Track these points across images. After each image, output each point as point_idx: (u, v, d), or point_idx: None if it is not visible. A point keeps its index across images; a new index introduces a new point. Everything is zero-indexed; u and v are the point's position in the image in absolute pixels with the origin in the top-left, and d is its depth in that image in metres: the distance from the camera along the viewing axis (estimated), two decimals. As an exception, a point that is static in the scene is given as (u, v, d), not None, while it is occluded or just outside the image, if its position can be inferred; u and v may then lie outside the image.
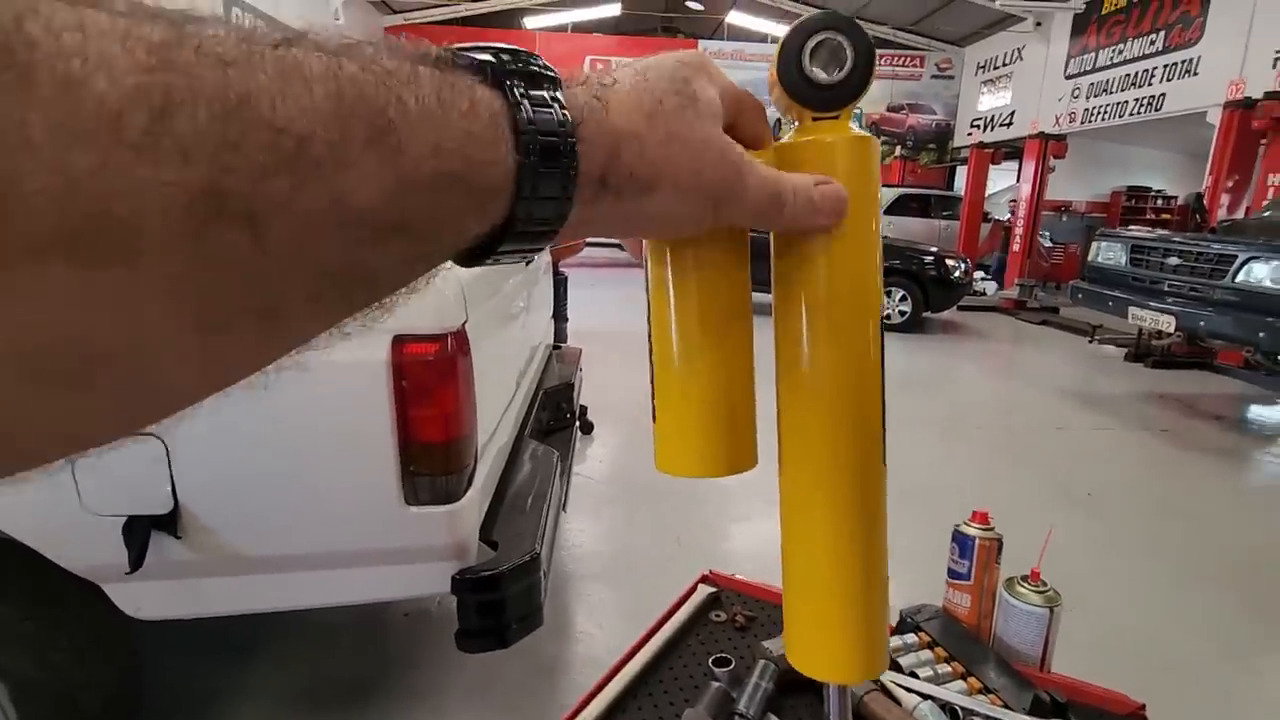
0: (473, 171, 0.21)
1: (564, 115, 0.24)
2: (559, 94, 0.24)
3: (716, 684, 0.70)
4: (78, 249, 0.14)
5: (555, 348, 3.15)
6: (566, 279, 3.69)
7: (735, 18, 13.43)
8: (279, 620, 1.39)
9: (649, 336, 0.35)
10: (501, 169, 0.22)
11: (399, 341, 1.23)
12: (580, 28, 14.79)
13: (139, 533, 1.21)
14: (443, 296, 1.29)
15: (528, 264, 2.17)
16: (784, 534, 0.36)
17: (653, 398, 0.35)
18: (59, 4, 0.14)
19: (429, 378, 1.27)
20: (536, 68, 0.25)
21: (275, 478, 1.27)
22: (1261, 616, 2.39)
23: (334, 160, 0.18)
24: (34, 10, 0.13)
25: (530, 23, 14.52)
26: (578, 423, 2.79)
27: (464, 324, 1.32)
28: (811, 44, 0.31)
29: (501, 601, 1.36)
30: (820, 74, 0.31)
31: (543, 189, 0.23)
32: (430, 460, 1.30)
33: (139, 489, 1.22)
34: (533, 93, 0.24)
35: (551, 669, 1.97)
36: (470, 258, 0.25)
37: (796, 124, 0.34)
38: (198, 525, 1.25)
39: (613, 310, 6.49)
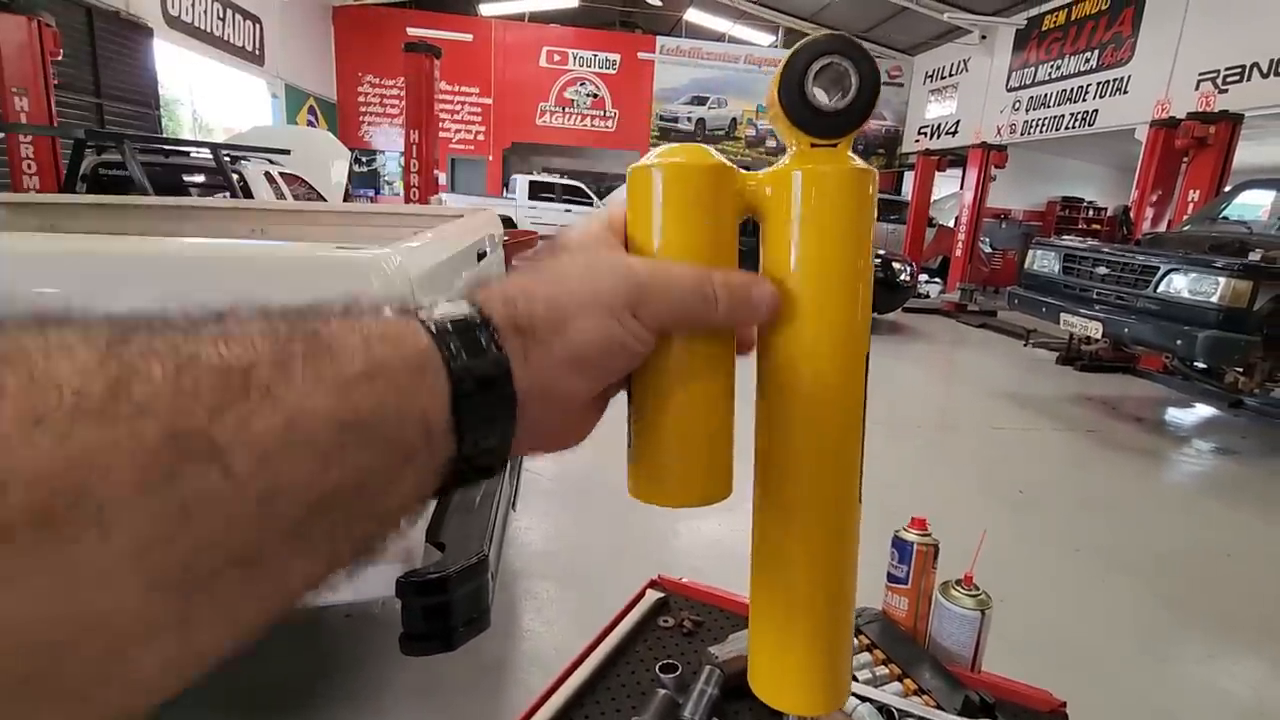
0: (398, 347, 0.24)
1: (453, 299, 0.27)
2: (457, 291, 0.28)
3: (663, 691, 0.71)
4: (48, 523, 0.15)
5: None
6: (519, 273, 3.64)
7: (694, 15, 13.49)
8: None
9: (629, 394, 0.34)
10: (421, 340, 0.24)
11: (344, 339, 1.20)
12: (537, 18, 14.59)
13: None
14: (391, 294, 1.26)
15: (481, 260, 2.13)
16: (755, 567, 0.35)
17: (629, 422, 0.34)
18: (28, 323, 0.17)
19: (375, 377, 1.24)
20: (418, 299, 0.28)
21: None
22: (1175, 610, 2.54)
23: (281, 379, 0.20)
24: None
25: (486, 10, 14.26)
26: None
27: (412, 322, 1.29)
28: (816, 67, 0.30)
29: (448, 604, 1.33)
30: (822, 99, 0.30)
31: (467, 348, 0.25)
32: (375, 461, 1.27)
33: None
34: (438, 305, 0.27)
35: (498, 668, 1.95)
36: (451, 466, 0.25)
37: (794, 148, 0.32)
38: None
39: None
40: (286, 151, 5.33)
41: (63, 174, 4.44)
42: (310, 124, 12.69)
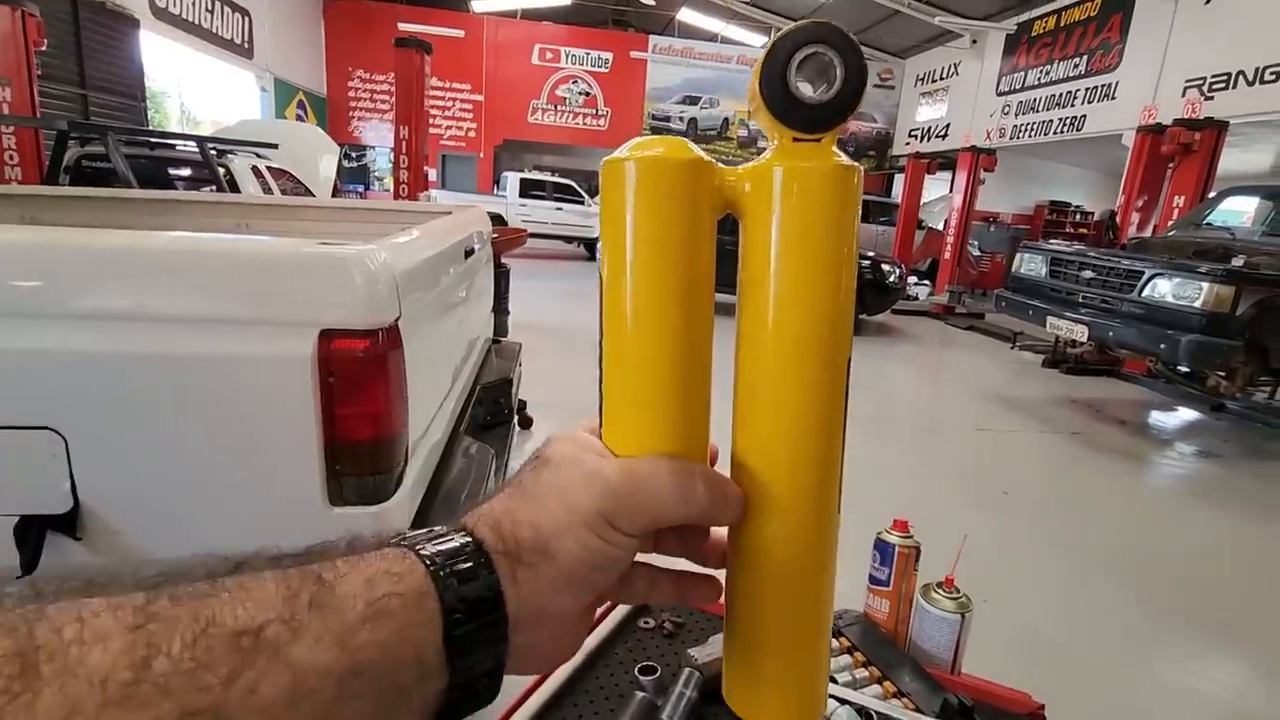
0: (395, 584, 0.25)
1: (446, 529, 0.28)
2: (440, 528, 0.29)
3: (641, 694, 0.70)
4: None
5: (495, 341, 3.10)
6: (509, 271, 3.63)
7: (686, 15, 13.49)
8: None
9: (599, 380, 0.33)
10: (417, 571, 0.26)
11: (326, 336, 1.18)
12: (529, 15, 14.55)
13: (32, 534, 1.13)
14: (375, 290, 1.25)
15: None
16: (730, 578, 0.34)
17: (599, 435, 0.33)
18: (64, 603, 0.19)
19: (358, 374, 1.22)
20: (413, 531, 0.29)
21: (189, 476, 1.20)
22: (1156, 611, 2.57)
23: (288, 636, 0.21)
24: (40, 615, 0.19)
25: (478, 6, 14.19)
26: (516, 418, 2.76)
27: (396, 319, 1.28)
28: (800, 57, 0.28)
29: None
30: (806, 90, 0.28)
31: (459, 575, 0.26)
32: (357, 460, 1.26)
33: (33, 486, 1.13)
34: (421, 532, 0.28)
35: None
36: (449, 700, 0.26)
37: (775, 143, 0.30)
38: (100, 526, 1.17)
39: (555, 303, 6.44)
40: (274, 146, 5.28)
41: (45, 166, 4.37)
42: (299, 118, 12.59)
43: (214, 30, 9.88)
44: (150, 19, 8.40)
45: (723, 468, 0.34)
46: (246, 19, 10.71)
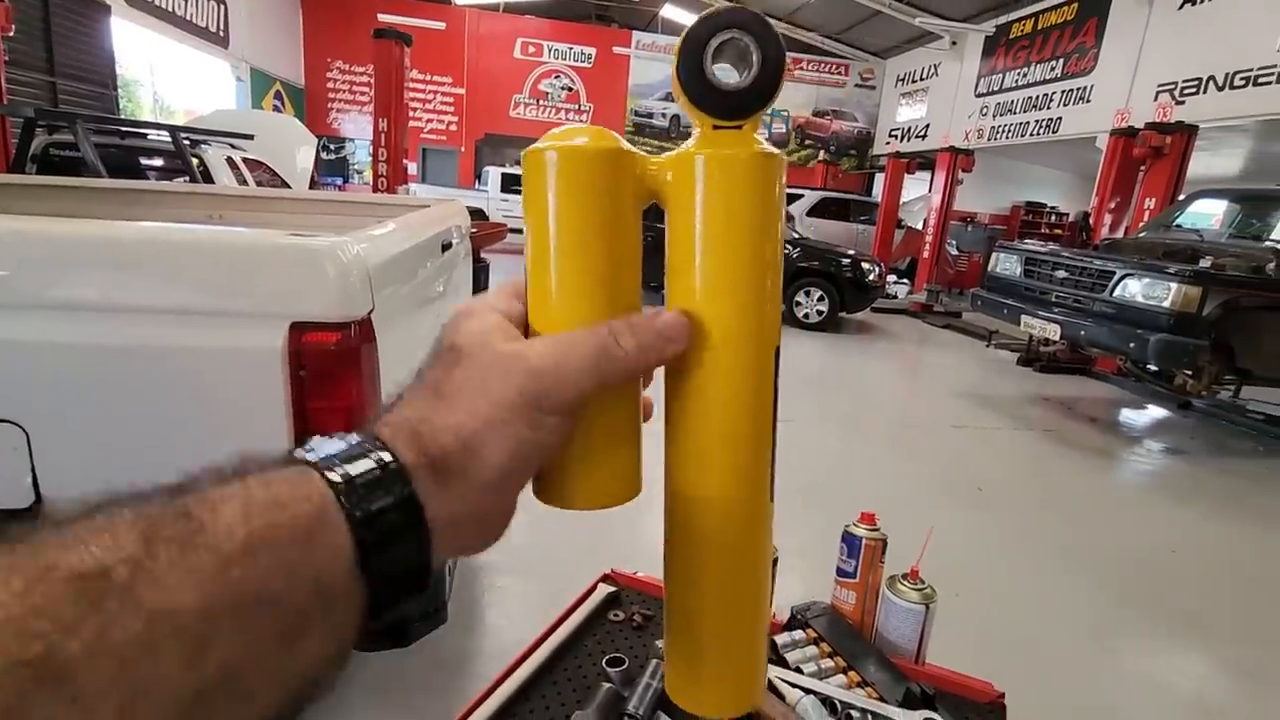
0: (283, 510, 0.22)
1: (355, 438, 0.26)
2: (348, 435, 0.26)
3: (608, 685, 0.71)
4: None
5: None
6: (488, 265, 3.62)
7: (670, 11, 13.47)
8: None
9: None
10: (313, 501, 0.23)
11: (297, 329, 1.17)
12: (511, 8, 14.44)
13: (-8, 529, 1.11)
14: (347, 283, 1.24)
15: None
16: (666, 571, 0.34)
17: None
18: None
19: (329, 368, 1.21)
20: (316, 441, 0.26)
21: (154, 471, 1.18)
22: (1123, 605, 2.63)
23: (142, 576, 0.19)
24: None
25: (460, -2, 14.04)
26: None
27: (369, 312, 1.27)
28: (715, 43, 0.27)
29: (402, 599, 1.32)
30: (724, 77, 0.28)
31: (375, 500, 0.24)
32: (329, 454, 1.25)
33: (-7, 480, 1.11)
34: (325, 443, 0.26)
35: (458, 663, 1.94)
36: (374, 610, 0.25)
37: (697, 132, 0.30)
38: (63, 521, 1.15)
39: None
40: (250, 136, 5.20)
41: (11, 154, 4.26)
42: (276, 109, 12.39)
43: (188, 18, 9.68)
44: (122, 5, 8.22)
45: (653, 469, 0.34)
46: (222, 7, 10.52)
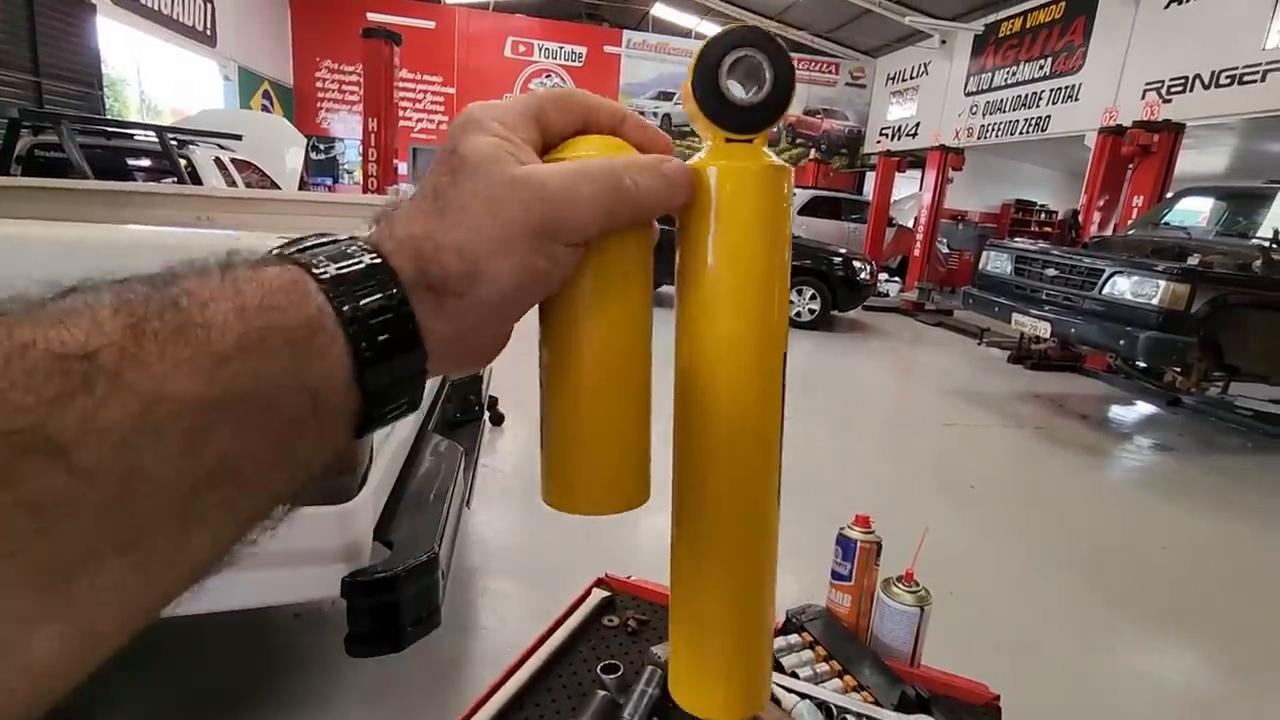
0: (280, 316, 0.22)
1: (356, 245, 0.24)
2: (345, 241, 0.25)
3: (603, 693, 0.70)
4: None
5: (465, 338, 3.07)
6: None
7: (660, 10, 13.47)
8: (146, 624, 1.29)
9: (540, 364, 0.32)
10: (311, 302, 0.22)
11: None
12: (501, 7, 14.40)
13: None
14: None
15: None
16: (673, 573, 0.34)
17: (542, 428, 0.33)
18: None
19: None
20: (310, 241, 0.25)
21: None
22: (1115, 601, 2.64)
23: (134, 364, 0.18)
24: None
25: (450, -3, 13.99)
26: (487, 415, 2.74)
27: (360, 316, 1.26)
28: (730, 60, 0.29)
29: (395, 604, 1.31)
30: (737, 92, 0.29)
31: (367, 306, 0.23)
32: (319, 459, 1.24)
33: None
34: (320, 249, 0.24)
35: (454, 666, 1.93)
36: (362, 422, 0.24)
37: (709, 144, 0.31)
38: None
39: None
40: (238, 137, 5.16)
41: (-5, 155, 4.22)
42: (265, 108, 12.31)
43: (175, 17, 9.60)
44: (108, 4, 8.14)
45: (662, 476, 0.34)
46: (209, 5, 10.43)
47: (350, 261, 0.24)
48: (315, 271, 0.23)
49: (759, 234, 0.30)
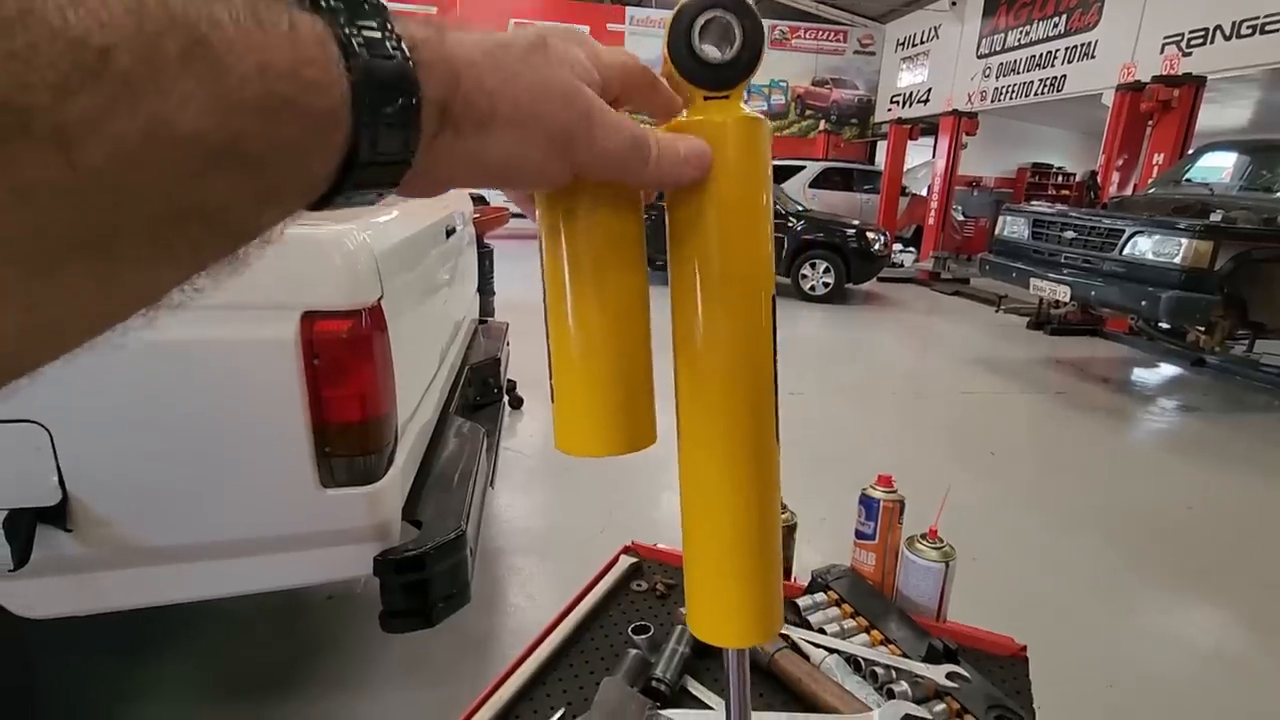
0: (305, 93, 0.20)
1: (396, 38, 0.23)
2: (387, 20, 0.23)
3: (635, 651, 0.72)
4: None
5: (481, 322, 3.09)
6: (492, 251, 3.61)
7: (663, -15, 13.24)
8: (188, 608, 1.34)
9: (544, 313, 0.35)
10: (336, 92, 0.21)
11: (309, 318, 1.18)
12: (503, -12, 14.24)
13: (23, 527, 1.13)
14: (355, 271, 1.24)
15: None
16: (683, 511, 0.37)
17: (550, 377, 0.35)
18: None
19: (343, 356, 1.22)
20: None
21: (176, 464, 1.20)
22: (1139, 563, 2.64)
23: (147, 77, 0.17)
24: None
25: (450, -19, 13.86)
26: (506, 398, 2.76)
27: (379, 299, 1.28)
28: (701, 21, 0.31)
29: (426, 581, 1.34)
30: (710, 52, 0.31)
31: (384, 113, 0.22)
32: (347, 441, 1.26)
33: (20, 479, 1.13)
34: (358, 21, 0.22)
35: (483, 642, 1.97)
36: (319, 201, 0.24)
37: (689, 104, 0.33)
38: (90, 517, 1.17)
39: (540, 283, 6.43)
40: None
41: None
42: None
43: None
44: None
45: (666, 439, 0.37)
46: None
47: (384, 56, 0.22)
48: (350, 49, 0.22)
49: (743, 179, 0.33)
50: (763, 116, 0.33)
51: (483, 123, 0.25)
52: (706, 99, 0.32)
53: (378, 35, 0.22)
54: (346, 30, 0.22)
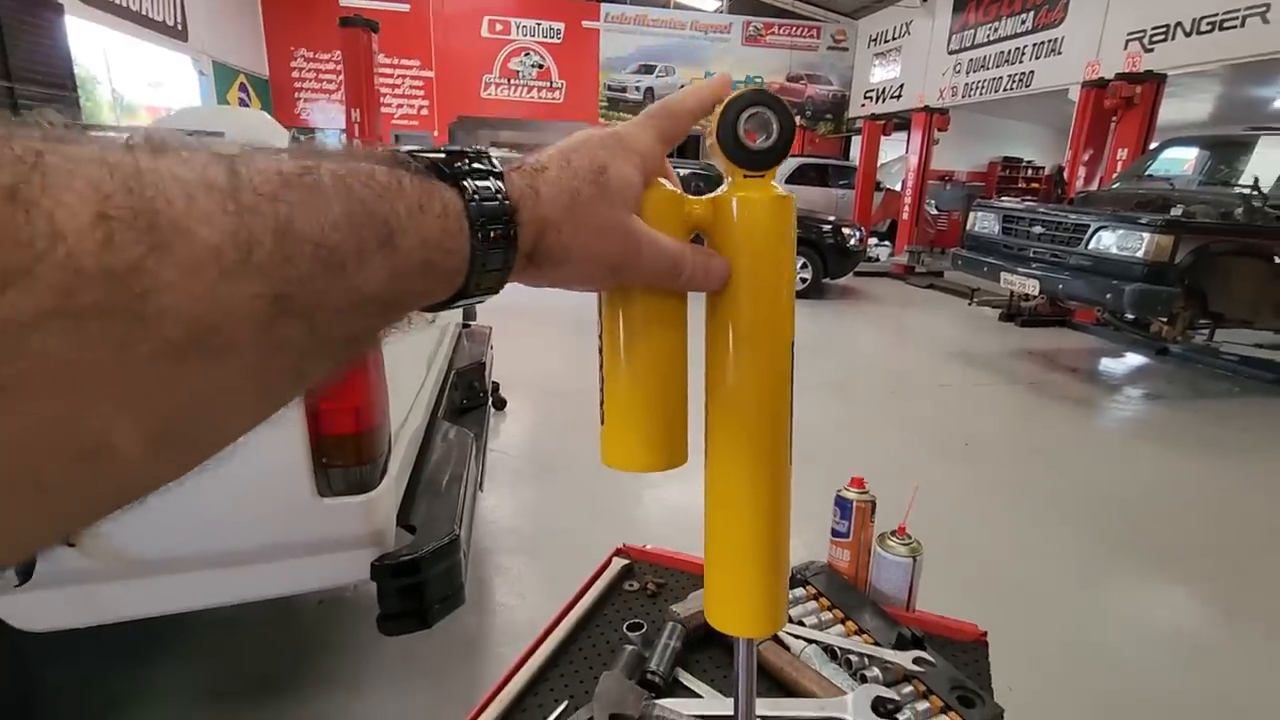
0: (445, 258, 0.28)
1: (507, 205, 0.30)
2: (502, 184, 0.31)
3: (630, 647, 0.77)
4: (202, 347, 0.20)
5: (464, 326, 3.12)
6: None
7: (637, -19, 13.22)
8: (181, 615, 1.37)
9: (600, 354, 0.42)
10: (463, 254, 0.29)
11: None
12: (478, -16, 14.10)
13: (26, 543, 1.15)
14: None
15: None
16: (708, 521, 0.43)
17: (601, 405, 0.42)
18: (172, 174, 0.19)
19: (337, 369, 1.26)
20: (482, 166, 0.31)
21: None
22: (1109, 548, 2.75)
23: (355, 261, 0.24)
24: (158, 188, 0.19)
25: (424, -23, 13.68)
26: (491, 400, 2.80)
27: (371, 313, 1.31)
28: (745, 115, 0.38)
29: (422, 584, 1.39)
30: (751, 140, 0.38)
31: (490, 264, 0.30)
32: (343, 452, 1.31)
33: (22, 497, 1.15)
34: (480, 185, 0.30)
35: (473, 641, 2.02)
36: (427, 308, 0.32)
37: (730, 180, 0.40)
38: (91, 530, 1.20)
39: (521, 286, 6.45)
40: (220, 134, 5.13)
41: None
42: (243, 102, 12.14)
43: (144, 12, 9.42)
44: (76, 3, 7.99)
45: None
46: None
47: (497, 223, 0.30)
48: (475, 223, 0.29)
49: (772, 246, 0.39)
50: (791, 194, 0.39)
51: (557, 263, 0.33)
52: (745, 176, 0.39)
53: (495, 204, 0.30)
54: (473, 204, 0.29)
